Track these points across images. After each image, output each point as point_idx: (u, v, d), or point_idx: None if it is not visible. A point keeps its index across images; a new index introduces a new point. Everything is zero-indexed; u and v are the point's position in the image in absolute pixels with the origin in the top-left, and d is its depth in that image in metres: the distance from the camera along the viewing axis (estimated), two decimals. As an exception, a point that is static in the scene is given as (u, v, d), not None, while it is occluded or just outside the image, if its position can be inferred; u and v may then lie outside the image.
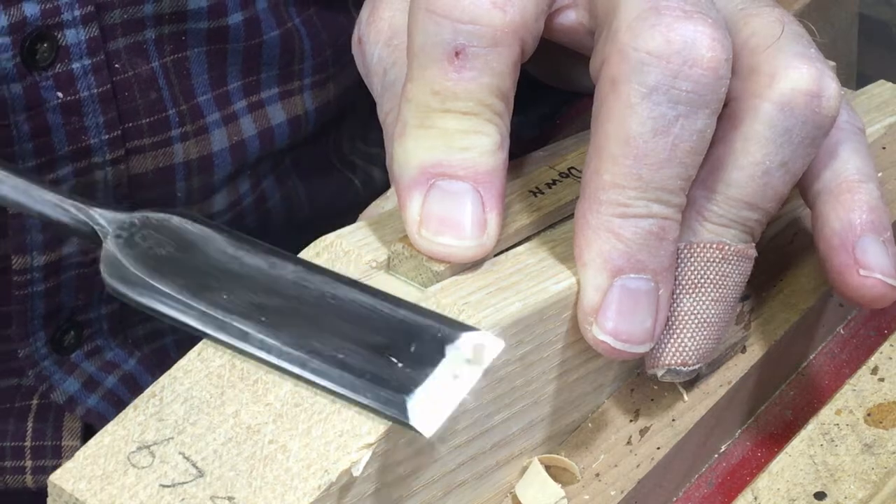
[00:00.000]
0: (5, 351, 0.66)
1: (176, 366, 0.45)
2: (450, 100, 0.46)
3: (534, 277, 0.47)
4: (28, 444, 0.69)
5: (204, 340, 0.45)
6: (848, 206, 0.50)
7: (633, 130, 0.45)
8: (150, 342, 0.71)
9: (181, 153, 0.65)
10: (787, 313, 0.54)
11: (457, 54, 0.46)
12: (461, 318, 0.44)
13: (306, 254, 0.47)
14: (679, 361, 0.49)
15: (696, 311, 0.49)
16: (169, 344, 0.72)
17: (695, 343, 0.49)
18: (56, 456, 0.69)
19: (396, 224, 0.48)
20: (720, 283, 0.49)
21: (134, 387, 0.69)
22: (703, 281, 0.49)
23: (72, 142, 0.61)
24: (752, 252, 0.50)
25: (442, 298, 0.45)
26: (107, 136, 0.62)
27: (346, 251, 0.47)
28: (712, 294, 0.49)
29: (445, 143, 0.46)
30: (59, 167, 0.61)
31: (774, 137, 0.48)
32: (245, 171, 0.68)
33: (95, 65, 0.60)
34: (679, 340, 0.49)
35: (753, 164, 0.48)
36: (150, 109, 0.63)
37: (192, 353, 0.45)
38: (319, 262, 0.47)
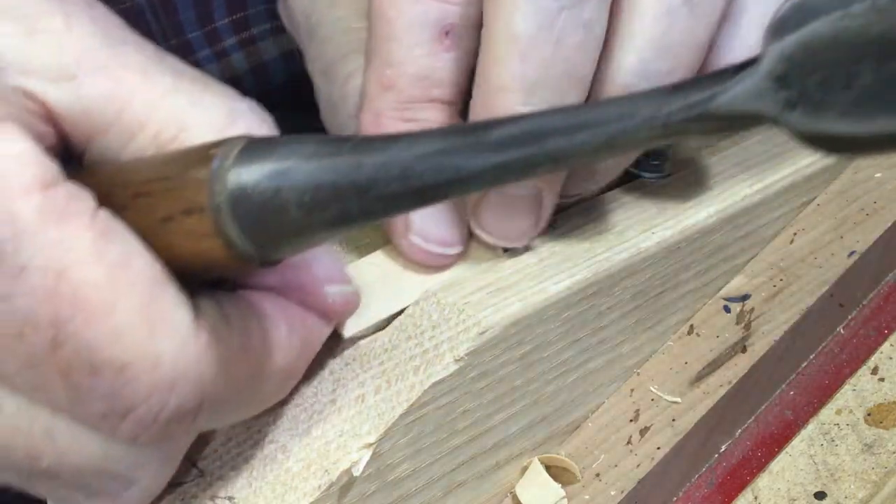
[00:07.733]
0: None
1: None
2: (436, 86, 0.44)
3: (534, 277, 0.47)
4: None
5: None
6: None
7: (518, 28, 0.41)
8: None
9: None
10: (787, 313, 0.54)
11: (446, 34, 0.44)
12: (461, 318, 0.44)
13: None
14: None
15: None
16: None
17: None
18: None
19: None
20: None
21: None
22: None
23: None
24: None
25: (443, 298, 0.45)
26: None
27: None
28: None
29: None
30: None
31: None
32: None
33: None
34: None
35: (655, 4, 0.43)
36: None
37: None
38: None
